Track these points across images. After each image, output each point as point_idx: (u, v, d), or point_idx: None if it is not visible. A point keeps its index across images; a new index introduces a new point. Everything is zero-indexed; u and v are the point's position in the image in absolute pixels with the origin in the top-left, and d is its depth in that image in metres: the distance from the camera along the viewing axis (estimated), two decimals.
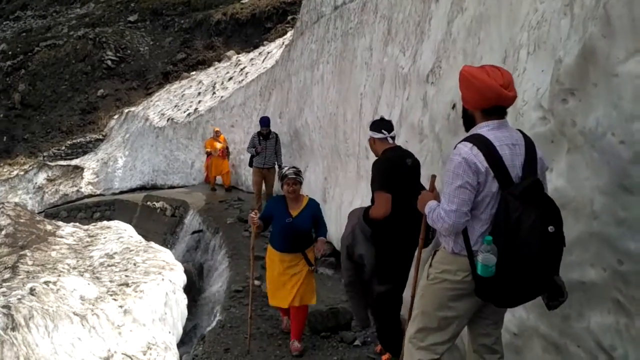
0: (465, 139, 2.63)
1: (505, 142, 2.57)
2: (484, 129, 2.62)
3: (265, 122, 10.09)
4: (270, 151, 10.17)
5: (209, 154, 14.24)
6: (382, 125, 4.27)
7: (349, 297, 4.55)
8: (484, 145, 2.53)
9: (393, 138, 4.27)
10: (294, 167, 5.04)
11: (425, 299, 2.82)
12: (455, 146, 2.66)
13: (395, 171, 3.99)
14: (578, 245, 2.82)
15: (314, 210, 5.02)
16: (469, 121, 2.74)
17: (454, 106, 4.16)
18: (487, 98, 2.57)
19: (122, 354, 5.11)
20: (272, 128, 10.27)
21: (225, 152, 14.11)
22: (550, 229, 2.43)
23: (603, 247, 2.68)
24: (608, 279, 2.72)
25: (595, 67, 2.57)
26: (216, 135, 14.25)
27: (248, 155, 10.52)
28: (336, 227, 6.95)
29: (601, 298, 2.81)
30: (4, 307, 4.52)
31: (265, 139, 10.07)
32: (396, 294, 4.13)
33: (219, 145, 13.89)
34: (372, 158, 6.01)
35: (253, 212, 4.92)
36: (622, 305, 2.71)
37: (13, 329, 4.27)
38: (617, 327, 2.77)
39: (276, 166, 10.15)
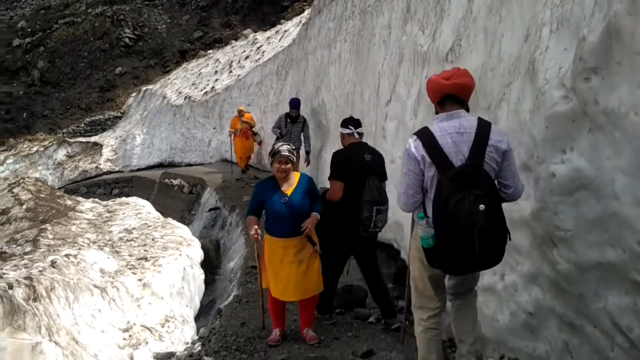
0: (414, 133, 3.12)
1: (450, 131, 2.95)
2: (434, 121, 3.09)
3: (295, 104, 9.57)
4: (295, 135, 9.59)
5: (231, 134, 13.55)
6: (350, 122, 5.02)
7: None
8: (425, 136, 2.98)
9: (360, 134, 4.96)
10: (287, 145, 4.58)
11: (411, 267, 3.36)
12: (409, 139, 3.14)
13: (350, 163, 4.71)
14: (597, 226, 2.80)
15: (307, 184, 4.60)
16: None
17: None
18: (433, 91, 3.11)
19: (141, 325, 5.23)
20: (288, 108, 9.89)
21: (250, 133, 13.25)
22: (481, 207, 2.75)
23: (623, 227, 2.67)
24: (627, 260, 2.70)
25: (619, 45, 2.52)
26: (240, 115, 13.33)
27: (264, 135, 10.36)
28: None
29: (619, 279, 2.80)
30: (25, 278, 4.64)
31: (292, 122, 9.59)
32: (338, 263, 4.90)
33: (239, 125, 13.18)
34: (389, 139, 6.02)
35: (254, 230, 4.48)
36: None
37: (35, 300, 4.39)
38: (635, 308, 2.76)
39: (302, 152, 9.63)
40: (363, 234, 4.57)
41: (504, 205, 3.03)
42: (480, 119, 3.00)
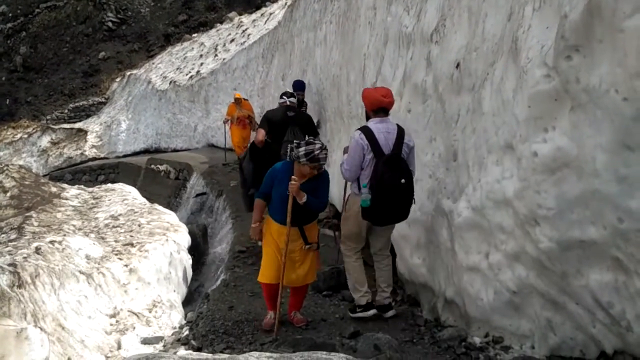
0: (359, 128, 4.40)
1: (382, 130, 4.27)
2: (371, 123, 4.36)
3: (301, 86, 8.53)
4: None
5: (227, 121, 12.57)
6: (284, 94, 7.25)
7: (241, 190, 7.20)
8: (367, 131, 4.27)
9: (292, 102, 7.06)
10: (325, 148, 4.28)
11: (345, 223, 4.64)
12: (354, 132, 4.43)
13: (272, 117, 6.88)
14: (579, 204, 2.83)
15: (322, 182, 4.40)
16: (368, 117, 4.47)
17: (457, 65, 4.11)
18: (372, 103, 4.39)
19: (128, 311, 5.21)
20: (274, 91, 9.65)
21: (247, 121, 12.15)
22: (402, 181, 4.13)
23: (604, 205, 2.69)
24: (608, 237, 2.74)
25: (600, 22, 2.52)
26: (237, 102, 12.24)
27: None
28: (339, 189, 6.97)
29: (601, 256, 2.84)
30: (10, 265, 4.59)
31: (300, 106, 8.29)
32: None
33: (237, 113, 12.12)
34: None
35: (256, 226, 4.49)
36: (621, 263, 2.74)
37: (19, 286, 4.35)
38: (616, 284, 2.80)
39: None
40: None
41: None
42: (398, 125, 4.38)
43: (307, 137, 4.46)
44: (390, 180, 4.09)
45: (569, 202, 2.87)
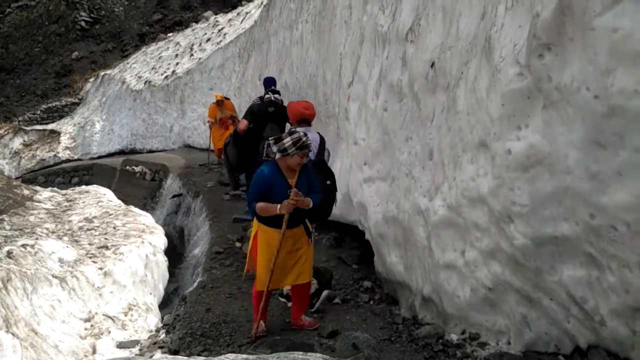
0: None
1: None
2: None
3: (271, 82, 8.28)
4: None
5: (209, 123, 11.92)
6: (271, 91, 7.62)
7: (227, 173, 9.05)
8: None
9: (276, 98, 7.47)
10: (306, 136, 4.17)
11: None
12: None
13: (255, 110, 7.45)
14: (552, 200, 2.86)
15: (309, 174, 4.32)
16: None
17: (432, 64, 4.13)
18: (295, 115, 4.97)
19: (103, 315, 5.14)
20: (251, 91, 9.60)
21: (230, 122, 11.45)
22: (328, 182, 4.69)
23: (576, 201, 2.73)
24: (581, 233, 2.77)
25: (572, 21, 2.56)
26: (219, 104, 11.55)
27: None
28: None
29: (573, 252, 2.88)
30: None
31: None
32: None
33: (219, 114, 11.50)
34: (352, 120, 6.01)
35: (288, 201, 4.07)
36: (593, 259, 2.78)
37: None
38: (589, 279, 2.84)
39: None
40: (260, 160, 5.15)
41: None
42: (319, 133, 5.02)
43: (290, 129, 4.58)
44: (318, 182, 4.51)
45: (542, 199, 2.90)
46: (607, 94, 2.41)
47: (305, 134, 4.15)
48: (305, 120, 4.96)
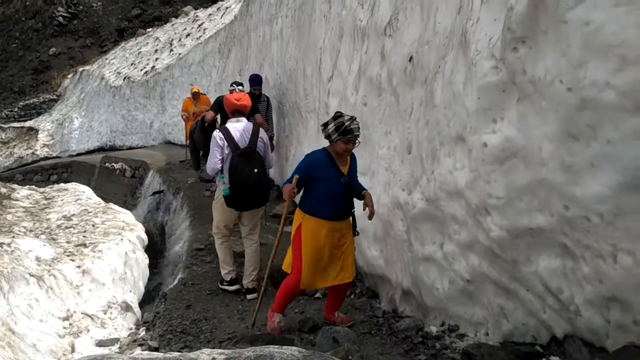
0: (218, 128, 5.37)
1: (238, 129, 5.01)
2: (229, 123, 5.13)
3: (256, 80, 8.19)
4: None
5: (184, 118, 11.57)
6: (234, 83, 7.91)
7: (191, 155, 10.21)
8: (225, 130, 4.99)
9: (240, 91, 7.25)
10: (355, 118, 3.90)
11: (215, 211, 5.34)
12: (214, 132, 5.05)
13: (221, 103, 6.88)
14: (527, 192, 2.89)
15: (356, 165, 4.15)
16: (227, 117, 5.32)
17: (410, 59, 4.14)
18: (229, 107, 5.21)
19: (82, 313, 5.07)
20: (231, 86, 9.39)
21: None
22: (255, 171, 4.89)
23: (551, 193, 2.76)
24: (555, 224, 2.81)
25: (545, 14, 2.58)
26: (194, 97, 11.30)
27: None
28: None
29: (549, 243, 2.91)
30: None
31: (256, 101, 7.95)
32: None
33: (193, 108, 11.16)
34: (332, 114, 6.01)
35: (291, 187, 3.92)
36: (568, 250, 2.81)
37: None
38: (564, 270, 2.87)
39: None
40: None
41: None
42: (253, 123, 5.33)
43: (335, 112, 4.04)
44: (243, 170, 4.84)
45: (517, 191, 2.93)
46: (579, 86, 2.44)
47: (352, 118, 3.87)
48: (239, 110, 5.17)
